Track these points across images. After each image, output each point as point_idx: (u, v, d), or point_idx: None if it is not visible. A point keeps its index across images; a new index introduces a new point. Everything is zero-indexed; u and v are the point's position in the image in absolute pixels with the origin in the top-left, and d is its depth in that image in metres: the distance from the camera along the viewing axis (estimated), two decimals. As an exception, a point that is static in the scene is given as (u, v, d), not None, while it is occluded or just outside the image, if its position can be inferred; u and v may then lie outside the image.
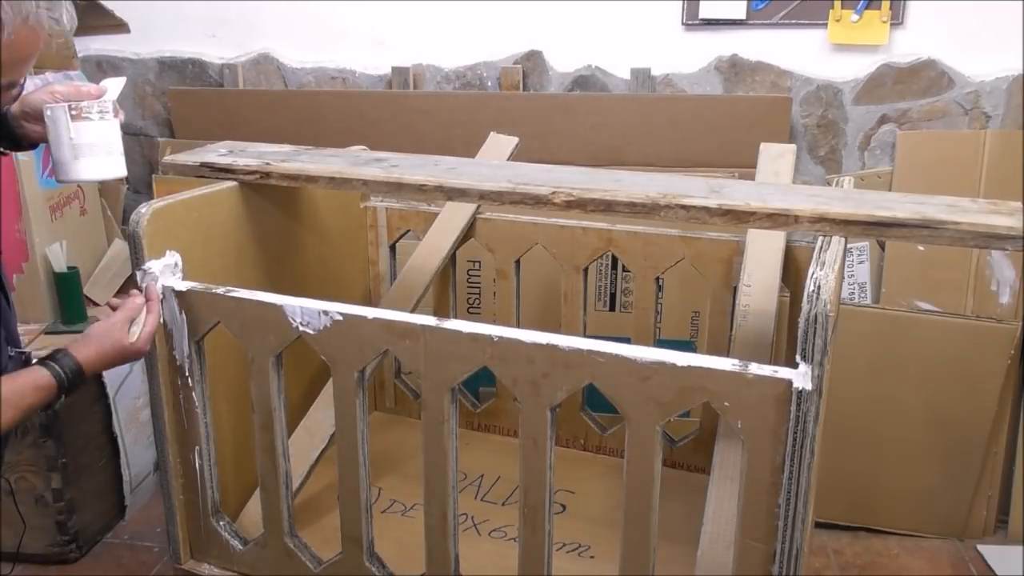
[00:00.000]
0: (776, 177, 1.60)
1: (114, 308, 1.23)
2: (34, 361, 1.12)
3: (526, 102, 2.34)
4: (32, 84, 1.22)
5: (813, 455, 0.97)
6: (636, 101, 2.30)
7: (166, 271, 1.29)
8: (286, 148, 1.56)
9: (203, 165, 1.46)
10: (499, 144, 1.83)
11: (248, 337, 1.26)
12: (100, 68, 2.59)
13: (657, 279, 1.71)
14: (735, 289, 1.57)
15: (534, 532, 1.16)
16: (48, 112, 1.16)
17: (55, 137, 1.17)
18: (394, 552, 1.35)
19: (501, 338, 1.08)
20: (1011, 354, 1.98)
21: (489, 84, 2.43)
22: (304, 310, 1.19)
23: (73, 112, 1.16)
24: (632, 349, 1.02)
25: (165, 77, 2.58)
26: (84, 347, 1.15)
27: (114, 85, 1.24)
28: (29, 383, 1.08)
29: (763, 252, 1.54)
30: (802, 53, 2.29)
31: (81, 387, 1.14)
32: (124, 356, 1.19)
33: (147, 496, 2.25)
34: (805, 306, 0.94)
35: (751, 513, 1.03)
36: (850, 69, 2.28)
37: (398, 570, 1.32)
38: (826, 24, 2.24)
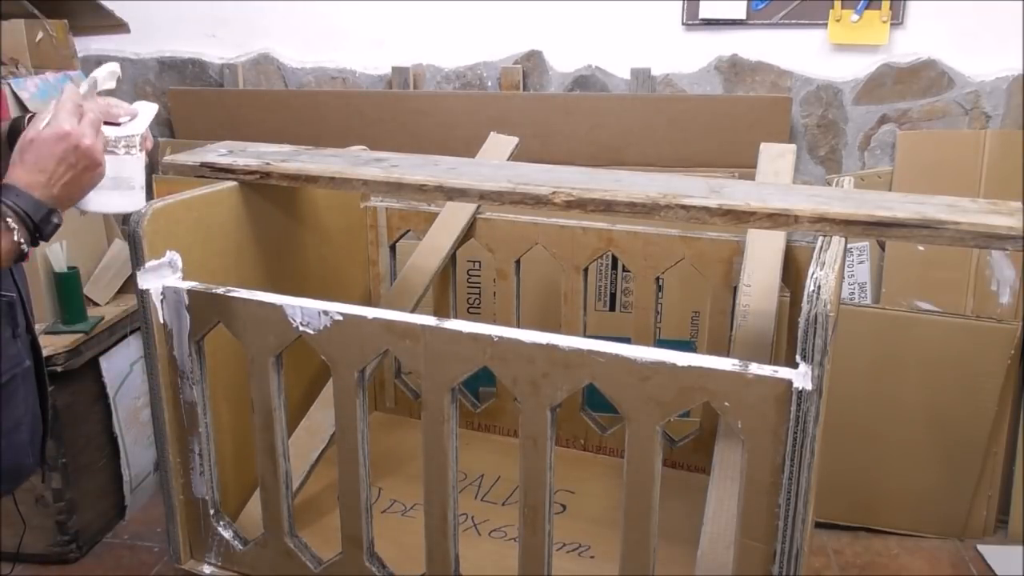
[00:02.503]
0: (776, 177, 1.60)
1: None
2: None
3: (526, 102, 2.34)
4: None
5: (813, 455, 0.97)
6: (636, 101, 2.30)
7: (109, 78, 1.14)
8: (286, 148, 1.56)
9: (203, 165, 1.46)
10: (499, 144, 1.83)
11: (248, 337, 1.26)
12: (100, 68, 2.59)
13: (657, 279, 1.71)
14: (735, 289, 1.57)
15: (534, 532, 1.16)
16: None
17: None
18: (394, 552, 1.35)
19: (501, 338, 1.08)
20: (1011, 354, 1.98)
21: (489, 84, 2.43)
22: (304, 310, 1.19)
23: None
24: (632, 349, 1.02)
25: (165, 77, 2.59)
26: (14, 167, 0.99)
27: (146, 112, 1.17)
28: None
29: (763, 252, 1.54)
30: (802, 53, 2.29)
31: (54, 223, 0.99)
32: (62, 146, 0.99)
33: (147, 496, 2.25)
34: (805, 306, 0.94)
35: (751, 513, 1.04)
36: (850, 69, 2.28)
37: (398, 570, 1.32)
38: (826, 24, 2.24)
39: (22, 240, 0.96)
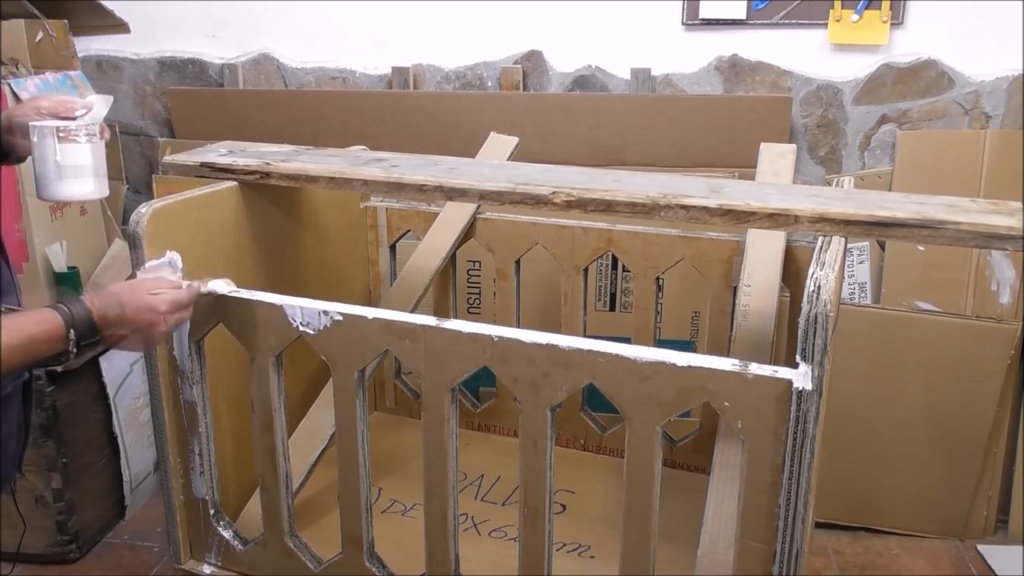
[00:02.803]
0: (776, 177, 1.60)
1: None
2: None
3: (526, 102, 2.34)
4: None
5: (813, 455, 0.97)
6: (636, 101, 2.30)
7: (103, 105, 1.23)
8: (286, 148, 1.56)
9: (203, 165, 1.46)
10: (499, 144, 1.83)
11: (248, 337, 1.26)
12: (100, 68, 2.59)
13: (657, 279, 1.71)
14: (735, 289, 1.57)
15: (534, 532, 1.16)
16: (35, 131, 1.14)
17: (40, 156, 1.15)
18: (394, 552, 1.35)
19: (501, 338, 1.08)
20: (1011, 354, 1.98)
21: (489, 84, 2.43)
22: (304, 310, 1.19)
23: (61, 134, 1.14)
24: (632, 349, 1.02)
25: (165, 77, 2.58)
26: (98, 295, 1.09)
27: (100, 103, 1.22)
28: (31, 318, 1.02)
29: (763, 252, 1.54)
30: (802, 53, 2.29)
31: (94, 342, 1.07)
32: (142, 316, 1.11)
33: (147, 496, 2.24)
34: (805, 306, 0.94)
35: (751, 513, 1.03)
36: (850, 69, 2.28)
37: (398, 570, 1.32)
38: (826, 24, 2.24)
39: (72, 351, 1.04)
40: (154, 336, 1.14)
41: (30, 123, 1.15)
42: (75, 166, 1.16)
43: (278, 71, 2.54)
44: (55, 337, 1.02)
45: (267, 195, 1.51)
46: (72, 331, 1.04)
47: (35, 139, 1.15)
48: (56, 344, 1.03)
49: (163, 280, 1.19)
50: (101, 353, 1.11)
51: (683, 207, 1.18)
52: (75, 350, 1.05)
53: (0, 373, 0.99)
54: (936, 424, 2.03)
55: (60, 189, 1.17)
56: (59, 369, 1.86)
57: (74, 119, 1.17)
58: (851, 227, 1.12)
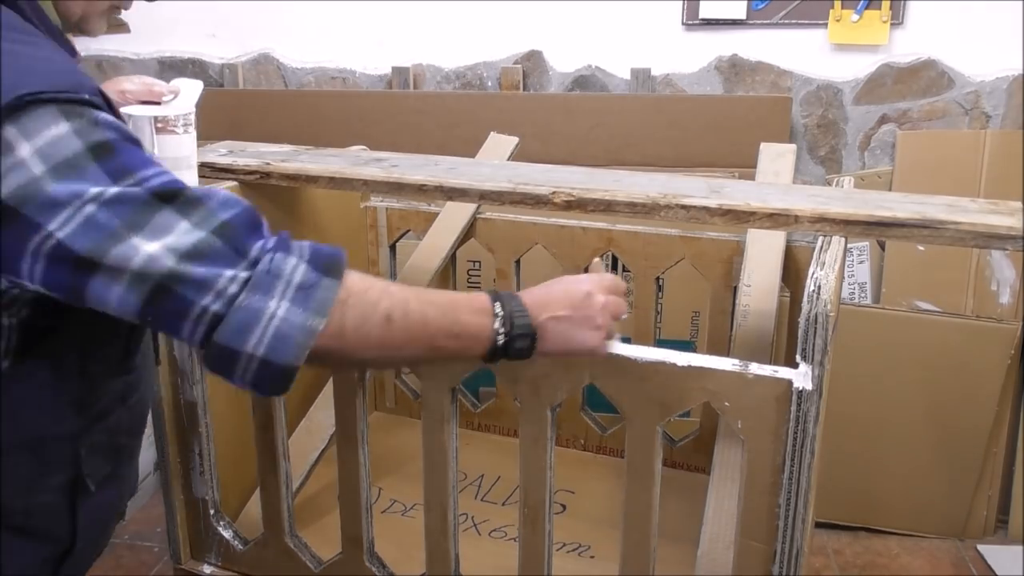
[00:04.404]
0: (776, 177, 1.60)
1: None
2: None
3: (526, 102, 2.34)
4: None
5: (813, 455, 0.97)
6: (636, 101, 2.30)
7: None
8: (286, 148, 1.56)
9: (203, 165, 1.46)
10: (499, 144, 1.83)
11: (248, 337, 1.26)
12: (100, 68, 2.59)
13: (657, 279, 1.71)
14: (735, 289, 1.57)
15: (534, 532, 1.16)
16: (131, 120, 1.08)
17: None
18: (394, 552, 1.35)
19: (501, 338, 1.08)
20: (1011, 354, 1.98)
21: (489, 84, 2.43)
22: (304, 310, 1.19)
23: (159, 125, 1.09)
24: (632, 349, 1.02)
25: (165, 77, 2.57)
26: (530, 291, 0.94)
27: (191, 89, 1.15)
28: (462, 299, 0.88)
29: (763, 252, 1.54)
30: (802, 53, 2.29)
31: (525, 346, 0.89)
32: (572, 288, 0.94)
33: (147, 496, 2.24)
34: (805, 306, 0.94)
35: (751, 513, 1.03)
36: (850, 69, 2.28)
37: (398, 570, 1.32)
38: (826, 24, 2.24)
39: (500, 331, 0.87)
40: (595, 317, 0.93)
41: (122, 110, 1.07)
42: (172, 158, 1.09)
43: (278, 71, 2.54)
44: (483, 329, 0.86)
45: (267, 195, 1.51)
46: (499, 303, 0.88)
47: (129, 127, 1.10)
48: (481, 327, 0.86)
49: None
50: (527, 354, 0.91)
51: (683, 207, 1.18)
52: (502, 334, 0.87)
53: (416, 342, 0.83)
54: (936, 424, 2.03)
55: None
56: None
57: (158, 103, 1.13)
58: (851, 227, 1.12)
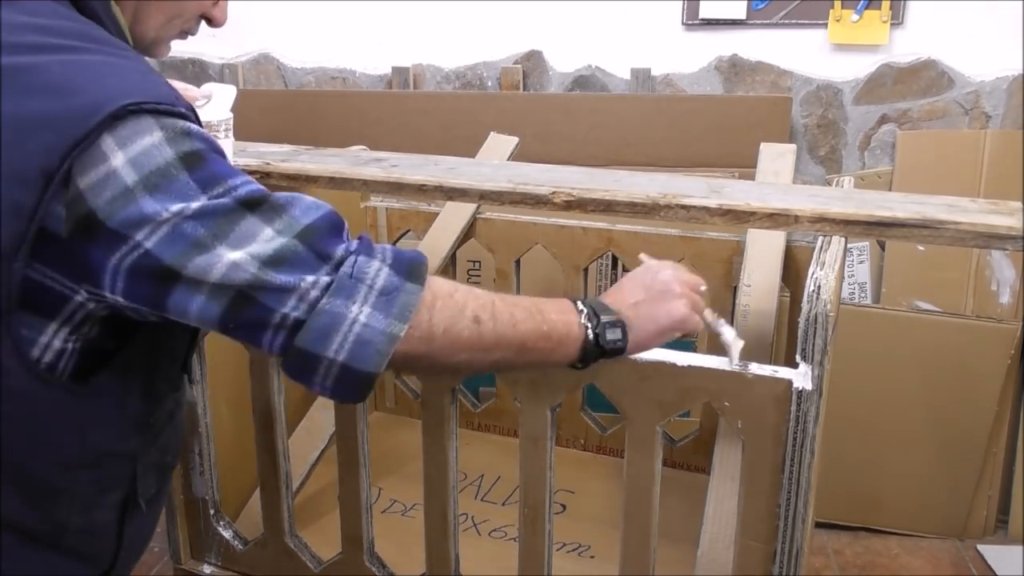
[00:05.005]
0: (776, 177, 1.60)
1: None
2: None
3: (526, 102, 2.34)
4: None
5: (813, 455, 0.97)
6: (636, 101, 2.30)
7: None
8: (286, 148, 1.56)
9: (203, 165, 1.46)
10: (499, 144, 1.83)
11: (248, 337, 1.26)
12: (100, 68, 2.59)
13: (657, 279, 1.71)
14: (735, 289, 1.57)
15: (534, 532, 1.15)
16: None
17: None
18: (394, 552, 1.35)
19: (501, 338, 1.08)
20: (1011, 354, 1.98)
21: (489, 84, 2.43)
22: (304, 310, 1.19)
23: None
24: (632, 349, 1.02)
25: (165, 77, 2.58)
26: (611, 292, 0.95)
27: (225, 94, 1.18)
28: (545, 300, 0.88)
29: (763, 252, 1.54)
30: (802, 53, 2.29)
31: (618, 338, 0.90)
32: (650, 278, 0.95)
33: (147, 496, 2.24)
34: (805, 306, 0.94)
35: (751, 513, 1.03)
36: (850, 69, 2.28)
37: (398, 570, 1.32)
38: (826, 24, 2.24)
39: (588, 326, 0.88)
40: (672, 288, 0.94)
41: None
42: None
43: (278, 71, 2.54)
44: (568, 319, 0.87)
45: (267, 195, 1.51)
46: (582, 304, 0.89)
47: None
48: (570, 324, 0.87)
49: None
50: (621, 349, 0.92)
51: (683, 207, 1.18)
52: (591, 328, 0.88)
53: (505, 345, 0.83)
54: (936, 424, 2.03)
55: None
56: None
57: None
58: (851, 227, 1.12)
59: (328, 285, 0.74)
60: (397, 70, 2.44)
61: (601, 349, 0.90)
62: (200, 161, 0.73)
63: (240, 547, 1.41)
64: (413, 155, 1.51)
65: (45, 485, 0.80)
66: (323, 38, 2.49)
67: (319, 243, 0.75)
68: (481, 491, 1.69)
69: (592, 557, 1.49)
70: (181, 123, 0.73)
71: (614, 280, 2.15)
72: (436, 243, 1.78)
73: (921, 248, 2.15)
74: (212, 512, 1.41)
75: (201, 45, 2.54)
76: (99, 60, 0.74)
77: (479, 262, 2.11)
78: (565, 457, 1.78)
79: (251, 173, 1.42)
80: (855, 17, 2.22)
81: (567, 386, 1.07)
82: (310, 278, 0.73)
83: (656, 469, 1.06)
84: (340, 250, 0.76)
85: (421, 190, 1.33)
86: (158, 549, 2.06)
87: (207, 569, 1.44)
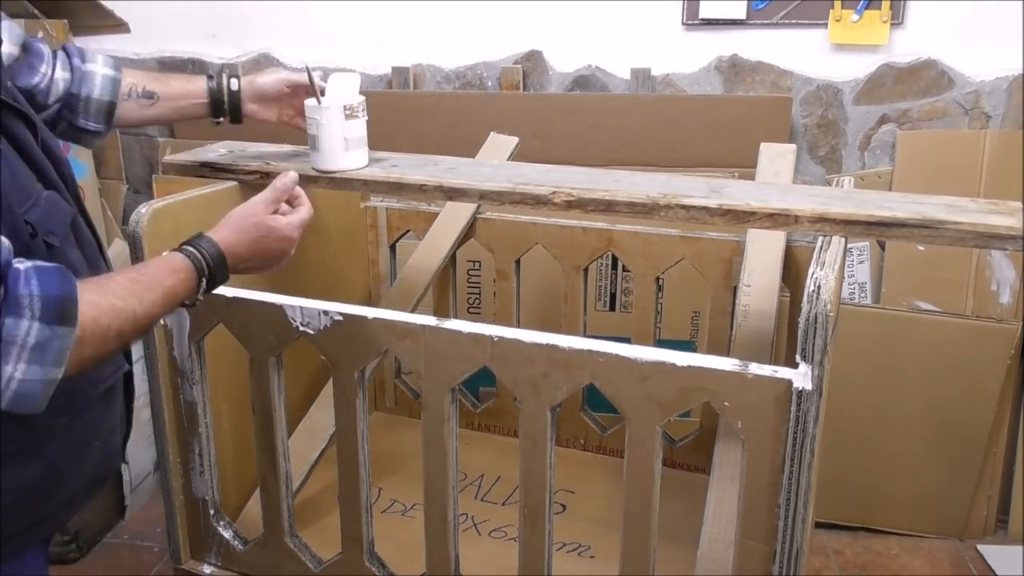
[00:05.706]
0: (776, 177, 1.60)
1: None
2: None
3: (526, 102, 2.34)
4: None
5: (813, 455, 0.97)
6: (636, 101, 2.30)
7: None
8: (286, 148, 1.56)
9: (203, 165, 1.47)
10: (499, 144, 1.83)
11: (248, 337, 1.26)
12: (100, 68, 2.59)
13: (657, 279, 1.71)
14: (735, 289, 1.57)
15: (534, 532, 1.16)
16: (323, 109, 1.31)
17: (328, 132, 1.32)
18: (394, 552, 1.35)
19: (501, 338, 1.08)
20: (1011, 354, 1.98)
21: (489, 84, 2.43)
22: (304, 310, 1.19)
23: (347, 112, 1.32)
24: (632, 349, 1.02)
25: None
26: (220, 228, 1.07)
27: (352, 81, 1.39)
28: (161, 268, 0.96)
29: (763, 252, 1.54)
30: (802, 53, 2.29)
31: (225, 279, 1.04)
32: (269, 238, 1.09)
33: (147, 496, 2.25)
34: (805, 306, 0.94)
35: (751, 513, 1.04)
36: (850, 69, 2.28)
37: (398, 570, 1.32)
38: (826, 24, 2.23)
39: (200, 292, 1.01)
40: (283, 262, 1.14)
41: (306, 102, 1.33)
42: (357, 138, 1.35)
43: (278, 71, 2.53)
44: (189, 287, 0.98)
45: (267, 195, 1.51)
46: (204, 280, 1.00)
47: (320, 118, 1.31)
48: (188, 295, 0.99)
49: (269, 197, 1.14)
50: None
51: (683, 207, 1.18)
52: (202, 299, 1.01)
53: (142, 332, 0.94)
54: (936, 424, 2.03)
55: (346, 160, 1.35)
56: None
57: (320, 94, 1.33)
58: (851, 227, 1.12)
59: None
60: (397, 70, 2.44)
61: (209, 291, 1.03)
62: None
63: (240, 547, 1.41)
64: (413, 155, 1.52)
65: None
66: (323, 38, 2.49)
67: None
68: (481, 491, 1.69)
69: (592, 557, 1.49)
70: None
71: (614, 280, 2.15)
72: (436, 243, 1.78)
73: (921, 248, 2.15)
74: (212, 512, 1.41)
75: (201, 45, 2.54)
76: None
77: (479, 262, 2.11)
78: (565, 457, 1.78)
79: (251, 173, 1.43)
80: (855, 17, 2.21)
81: (567, 386, 1.07)
82: None
83: (656, 469, 1.06)
84: None
85: (421, 190, 1.33)
86: (158, 549, 2.06)
87: (207, 569, 1.44)
